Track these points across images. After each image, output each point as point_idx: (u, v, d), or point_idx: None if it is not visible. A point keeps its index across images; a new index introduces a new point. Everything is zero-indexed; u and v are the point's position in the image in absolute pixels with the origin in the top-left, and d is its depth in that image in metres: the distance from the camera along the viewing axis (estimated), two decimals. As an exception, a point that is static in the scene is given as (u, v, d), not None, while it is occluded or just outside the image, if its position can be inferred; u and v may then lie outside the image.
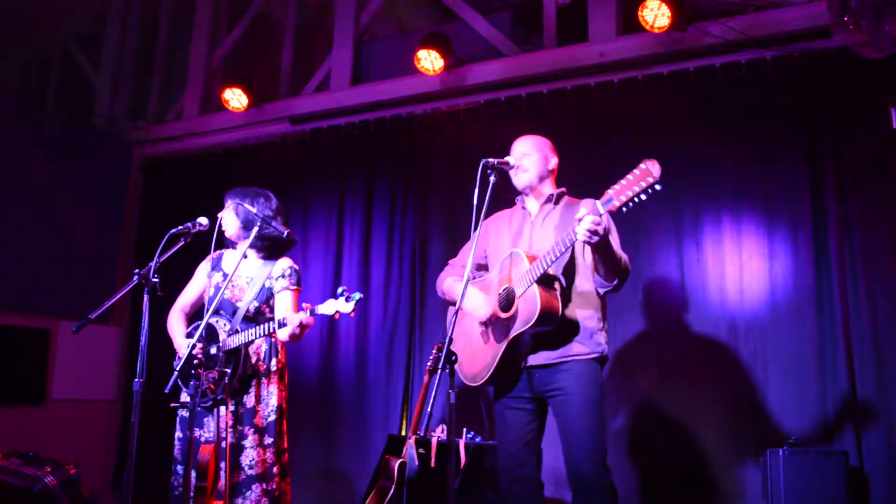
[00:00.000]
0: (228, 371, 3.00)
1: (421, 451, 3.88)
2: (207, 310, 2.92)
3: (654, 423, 4.11)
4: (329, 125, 5.52)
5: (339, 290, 2.91)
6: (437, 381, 2.32)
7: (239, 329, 3.08)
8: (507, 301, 2.72)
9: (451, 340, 2.35)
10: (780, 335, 3.91)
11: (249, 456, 3.03)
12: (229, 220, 3.22)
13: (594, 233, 2.39)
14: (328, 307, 2.91)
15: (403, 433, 4.54)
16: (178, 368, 2.79)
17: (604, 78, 4.59)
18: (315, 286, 5.26)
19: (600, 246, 2.52)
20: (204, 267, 3.38)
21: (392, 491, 3.78)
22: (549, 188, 2.96)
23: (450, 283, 3.09)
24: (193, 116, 6.24)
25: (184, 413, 3.09)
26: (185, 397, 3.11)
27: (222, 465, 2.97)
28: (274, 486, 3.06)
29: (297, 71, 6.03)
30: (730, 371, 3.99)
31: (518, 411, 2.82)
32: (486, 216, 2.65)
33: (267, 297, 3.20)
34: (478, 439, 4.13)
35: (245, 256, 3.11)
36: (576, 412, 2.67)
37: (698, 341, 4.11)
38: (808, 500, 3.35)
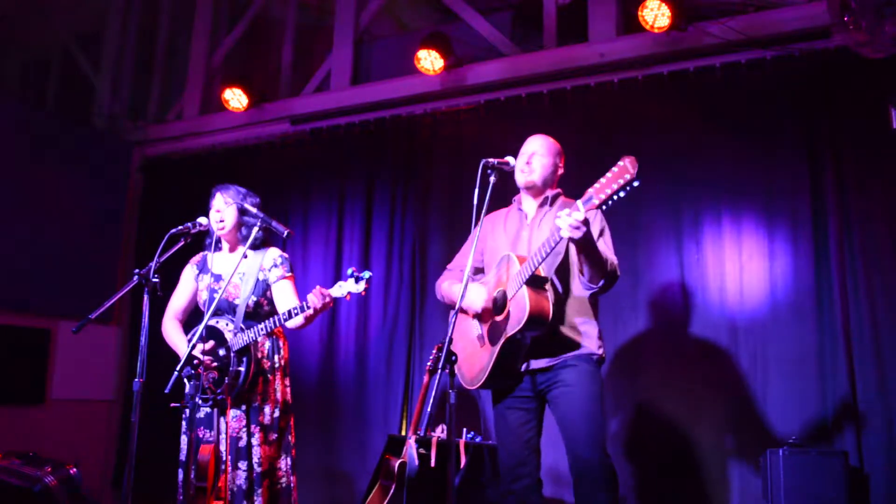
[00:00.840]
0: (242, 370, 3.00)
1: (421, 450, 3.88)
2: (206, 312, 2.92)
3: (654, 422, 4.11)
4: (329, 125, 5.52)
5: (349, 271, 2.91)
6: (436, 381, 2.31)
7: (243, 326, 3.08)
8: (501, 303, 2.73)
9: (451, 340, 2.35)
10: (780, 335, 3.91)
11: (257, 454, 3.04)
12: (228, 217, 3.21)
13: (576, 228, 2.40)
14: (339, 290, 2.91)
15: (403, 433, 4.54)
16: (178, 369, 2.78)
17: (604, 78, 4.59)
18: (315, 285, 5.25)
19: (584, 243, 2.52)
20: (190, 271, 3.37)
21: (392, 490, 3.79)
22: (548, 191, 2.96)
23: (447, 285, 3.10)
24: (193, 116, 6.23)
25: (188, 413, 3.09)
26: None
27: (228, 464, 2.98)
28: (281, 483, 3.07)
29: (297, 71, 6.03)
30: (729, 371, 3.99)
31: (517, 411, 2.83)
32: (487, 214, 2.65)
33: (263, 289, 3.20)
34: (478, 439, 4.14)
35: (245, 256, 3.11)
36: (576, 402, 2.68)
37: (698, 341, 4.11)
38: (808, 500, 3.34)
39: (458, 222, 4.78)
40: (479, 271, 3.05)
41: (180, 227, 3.00)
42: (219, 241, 3.30)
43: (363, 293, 2.91)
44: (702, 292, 4.15)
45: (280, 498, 3.08)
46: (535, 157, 2.90)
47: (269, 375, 3.13)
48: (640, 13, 4.26)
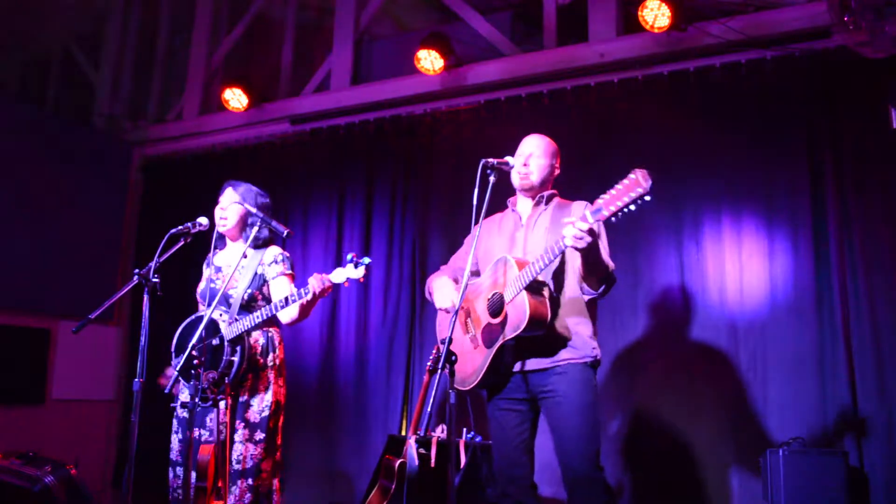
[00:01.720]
0: (236, 360, 2.99)
1: (421, 450, 3.88)
2: (209, 307, 2.91)
3: (654, 422, 4.11)
4: (329, 125, 5.52)
5: (348, 256, 2.91)
6: (436, 381, 2.31)
7: (237, 318, 3.08)
8: (497, 306, 2.72)
9: (451, 340, 2.35)
10: (779, 335, 3.91)
11: (237, 451, 3.00)
12: (232, 214, 3.21)
13: (581, 239, 2.37)
14: (338, 275, 2.90)
15: (403, 433, 4.54)
16: (177, 369, 2.77)
17: (604, 78, 4.59)
18: (315, 286, 5.26)
19: (588, 251, 2.50)
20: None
21: (392, 490, 3.79)
22: (543, 191, 2.94)
23: (430, 278, 3.09)
24: (193, 116, 6.24)
25: (182, 413, 3.08)
26: (184, 397, 3.10)
27: (225, 463, 2.97)
28: (257, 483, 3.02)
29: (297, 71, 6.04)
30: (729, 371, 3.99)
31: (510, 412, 2.82)
32: (486, 216, 2.64)
33: (260, 284, 3.19)
34: (478, 439, 4.14)
35: (245, 256, 3.10)
36: (568, 414, 2.66)
37: (698, 341, 4.11)
38: (809, 500, 3.34)
39: (458, 222, 4.78)
40: (474, 274, 3.04)
41: (180, 227, 2.99)
42: (221, 237, 3.30)
43: (362, 279, 2.90)
44: (702, 292, 4.15)
45: (261, 500, 3.04)
46: (532, 159, 2.89)
47: (260, 372, 3.11)
48: (640, 13, 4.26)
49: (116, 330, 6.12)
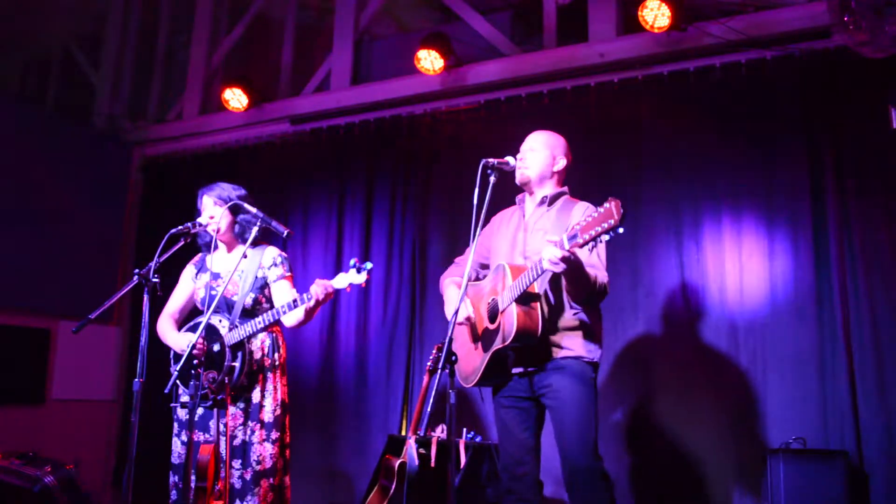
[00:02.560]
0: (237, 366, 3.00)
1: (421, 450, 3.88)
2: (206, 310, 2.91)
3: (653, 422, 4.11)
4: (329, 125, 5.52)
5: (351, 262, 2.92)
6: (436, 381, 2.31)
7: (238, 324, 3.08)
8: (493, 313, 2.75)
9: (451, 340, 2.36)
10: (780, 335, 3.91)
11: (257, 452, 3.03)
12: (220, 217, 3.17)
13: (555, 264, 2.41)
14: (340, 281, 2.92)
15: (403, 433, 4.54)
16: (177, 368, 2.77)
17: (604, 78, 4.59)
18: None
19: (567, 274, 2.54)
20: (189, 271, 3.37)
21: (392, 490, 3.79)
22: (549, 189, 2.92)
23: (446, 286, 3.10)
24: (193, 116, 6.23)
25: (183, 415, 3.08)
26: (185, 398, 3.11)
27: (228, 462, 2.97)
28: (278, 482, 3.07)
29: (297, 71, 6.03)
30: (729, 371, 3.99)
31: (514, 410, 2.84)
32: (487, 216, 2.64)
33: (261, 287, 3.19)
34: (478, 439, 4.14)
35: (245, 256, 3.10)
36: (568, 406, 2.68)
37: (698, 341, 4.11)
38: (809, 500, 3.34)
39: (458, 222, 4.78)
40: (485, 267, 3.06)
41: (180, 227, 2.99)
42: (215, 241, 3.29)
43: (363, 284, 2.92)
44: (702, 292, 4.15)
45: (276, 498, 3.07)
46: (528, 153, 2.90)
47: (269, 373, 3.12)
48: (640, 13, 4.26)
49: (116, 330, 6.11)
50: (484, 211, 2.57)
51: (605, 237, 2.25)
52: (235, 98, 5.62)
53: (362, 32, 5.76)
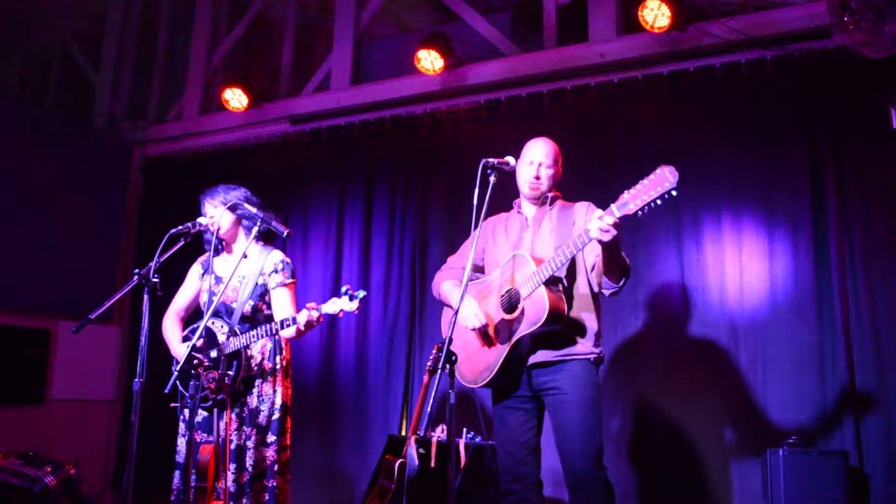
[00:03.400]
0: (231, 373, 3.00)
1: (421, 451, 3.88)
2: (205, 313, 2.92)
3: (654, 422, 4.11)
4: (329, 125, 5.52)
5: (343, 288, 2.92)
6: (436, 381, 2.31)
7: (237, 330, 3.07)
8: (511, 303, 2.73)
9: (450, 340, 2.36)
10: (779, 335, 3.91)
11: (252, 456, 3.03)
12: (222, 219, 3.19)
13: (606, 231, 2.41)
14: (332, 306, 2.91)
15: (403, 433, 4.54)
16: (177, 369, 2.78)
17: (604, 78, 4.59)
18: (315, 286, 5.26)
19: (611, 246, 2.53)
20: (195, 270, 3.37)
21: (392, 491, 3.79)
22: (549, 192, 2.98)
23: (447, 287, 3.08)
24: (193, 116, 6.23)
25: (186, 414, 3.09)
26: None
27: (227, 466, 2.97)
28: (275, 484, 3.06)
29: (297, 71, 6.03)
30: (729, 371, 3.99)
31: (516, 411, 2.84)
32: (486, 216, 2.65)
33: (261, 293, 3.19)
34: (478, 439, 4.14)
35: (245, 256, 3.10)
36: (571, 411, 2.68)
37: (698, 341, 4.11)
38: (808, 500, 3.34)
39: (458, 222, 4.79)
40: (478, 269, 3.06)
41: (180, 227, 2.99)
42: (221, 242, 3.29)
43: (356, 312, 2.92)
44: (702, 292, 4.15)
45: (273, 501, 3.06)
46: (543, 169, 2.91)
47: (268, 377, 3.12)
48: (640, 13, 4.26)
49: (116, 330, 6.11)
50: (484, 210, 2.57)
51: (659, 202, 2.30)
52: (235, 98, 5.62)
53: (362, 32, 5.76)
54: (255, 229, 3.02)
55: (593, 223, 2.42)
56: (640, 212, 2.34)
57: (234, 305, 3.14)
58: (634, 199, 2.33)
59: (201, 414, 3.09)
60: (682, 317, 4.17)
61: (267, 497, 3.03)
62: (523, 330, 2.66)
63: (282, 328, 2.97)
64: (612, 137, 4.52)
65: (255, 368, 3.10)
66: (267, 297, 3.20)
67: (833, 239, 3.86)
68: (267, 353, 3.14)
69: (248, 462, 3.03)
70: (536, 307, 2.62)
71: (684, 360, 4.11)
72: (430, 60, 4.89)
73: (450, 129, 5.08)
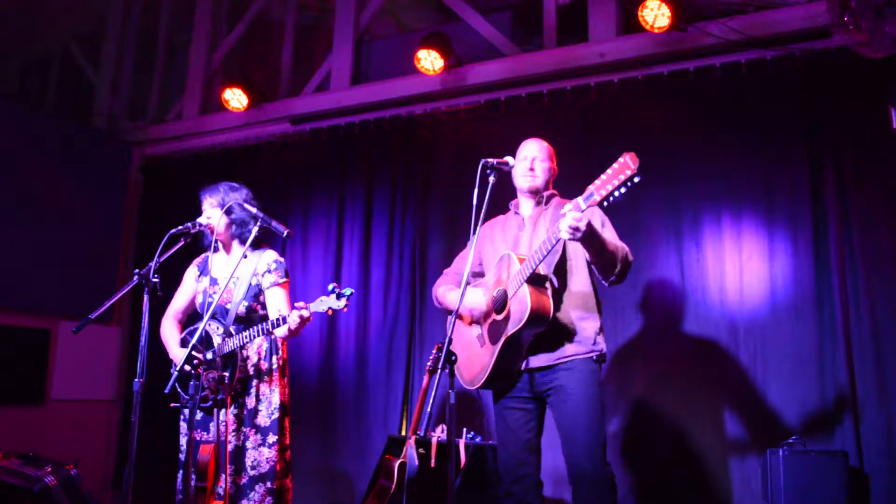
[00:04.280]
0: (227, 374, 3.00)
1: (421, 451, 3.88)
2: (203, 315, 2.91)
3: (653, 422, 4.11)
4: (329, 125, 5.52)
5: (330, 286, 2.90)
6: (436, 382, 2.31)
7: (232, 331, 3.07)
8: (501, 302, 2.74)
9: (450, 340, 2.36)
10: (779, 335, 3.91)
11: (252, 457, 3.02)
12: (216, 220, 3.17)
13: (576, 229, 2.42)
14: (320, 305, 2.90)
15: (403, 433, 4.54)
16: (177, 369, 2.77)
17: (604, 78, 4.59)
18: (315, 286, 5.26)
19: (586, 240, 2.54)
20: (191, 272, 3.37)
21: (392, 491, 3.79)
22: (545, 191, 2.99)
23: (443, 291, 3.10)
24: (193, 116, 6.24)
25: (187, 414, 3.08)
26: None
27: (226, 466, 2.97)
28: (277, 485, 3.06)
29: (297, 71, 6.04)
30: (729, 371, 3.99)
31: (517, 411, 2.84)
32: (486, 216, 2.65)
33: (256, 293, 3.18)
34: (478, 439, 4.13)
35: (245, 257, 3.09)
36: (574, 408, 2.68)
37: (698, 341, 4.11)
38: (808, 500, 3.34)
39: (458, 222, 4.78)
40: (478, 275, 3.06)
41: (180, 227, 2.99)
42: (218, 242, 3.29)
43: (344, 309, 2.90)
44: (702, 292, 4.15)
45: (274, 501, 3.06)
46: (537, 162, 2.94)
47: (265, 377, 3.12)
48: (640, 13, 4.26)
49: (116, 330, 6.11)
50: (483, 211, 2.57)
51: (622, 189, 2.29)
52: (235, 98, 5.62)
53: (362, 32, 5.76)
54: (255, 229, 2.99)
55: (562, 221, 2.43)
56: (604, 201, 2.34)
57: (228, 306, 3.14)
58: (599, 189, 2.34)
59: (201, 414, 3.09)
60: (682, 317, 4.17)
61: (269, 500, 3.03)
62: (510, 329, 2.66)
63: (275, 326, 2.97)
64: (612, 137, 4.51)
65: (252, 369, 3.09)
66: (261, 298, 3.19)
67: (833, 239, 3.86)
68: (263, 353, 3.14)
69: (248, 463, 3.02)
70: (520, 306, 2.62)
71: (684, 360, 4.11)
72: (430, 60, 4.89)
73: (450, 129, 5.08)
